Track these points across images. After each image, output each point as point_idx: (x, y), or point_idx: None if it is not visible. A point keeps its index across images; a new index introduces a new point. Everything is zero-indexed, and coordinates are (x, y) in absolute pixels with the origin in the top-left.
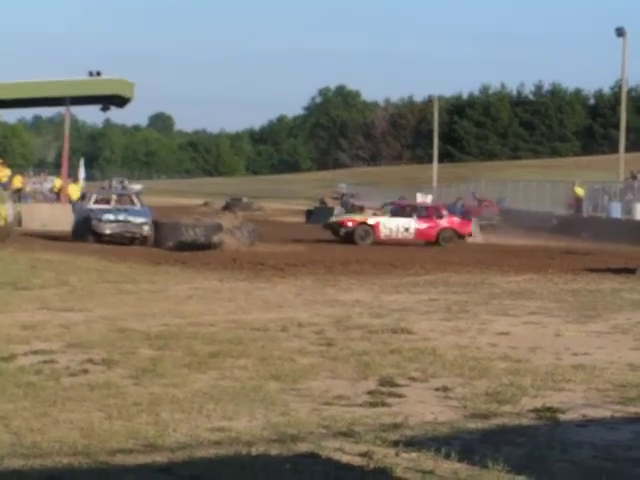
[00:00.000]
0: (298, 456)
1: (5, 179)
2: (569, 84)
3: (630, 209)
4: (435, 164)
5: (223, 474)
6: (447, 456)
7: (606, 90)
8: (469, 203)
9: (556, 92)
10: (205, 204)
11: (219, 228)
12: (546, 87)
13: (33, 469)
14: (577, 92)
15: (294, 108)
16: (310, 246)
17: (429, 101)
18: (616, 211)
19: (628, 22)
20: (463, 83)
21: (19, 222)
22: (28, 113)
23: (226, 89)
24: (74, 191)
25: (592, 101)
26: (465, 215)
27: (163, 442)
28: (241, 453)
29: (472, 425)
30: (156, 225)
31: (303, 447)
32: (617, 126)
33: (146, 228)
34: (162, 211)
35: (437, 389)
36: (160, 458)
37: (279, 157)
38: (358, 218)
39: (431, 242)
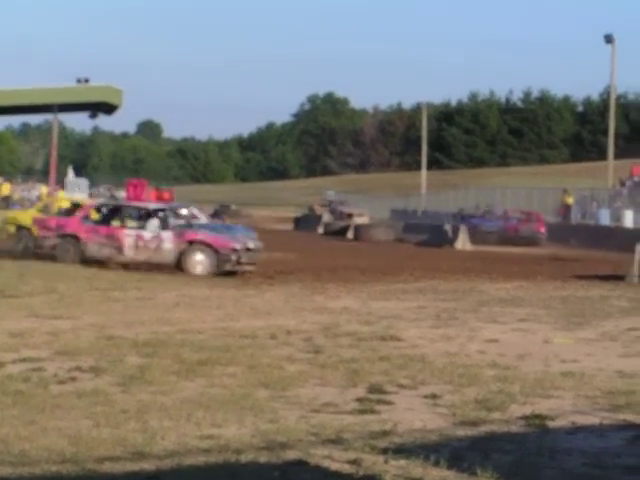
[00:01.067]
0: (287, 464)
1: None
2: (558, 91)
3: (619, 216)
4: (424, 171)
5: None
6: (436, 463)
7: (595, 97)
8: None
9: (545, 99)
10: None
11: None
12: (535, 94)
13: (21, 477)
14: (566, 99)
15: (283, 115)
16: (298, 253)
17: (418, 108)
18: (605, 218)
19: (617, 29)
20: (452, 90)
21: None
22: (16, 120)
23: (214, 96)
24: (62, 199)
25: (581, 108)
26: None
27: (151, 450)
28: (230, 461)
29: (461, 432)
30: None
31: (292, 454)
32: (606, 133)
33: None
34: None
35: (426, 396)
36: (148, 466)
37: (267, 164)
38: None
39: None
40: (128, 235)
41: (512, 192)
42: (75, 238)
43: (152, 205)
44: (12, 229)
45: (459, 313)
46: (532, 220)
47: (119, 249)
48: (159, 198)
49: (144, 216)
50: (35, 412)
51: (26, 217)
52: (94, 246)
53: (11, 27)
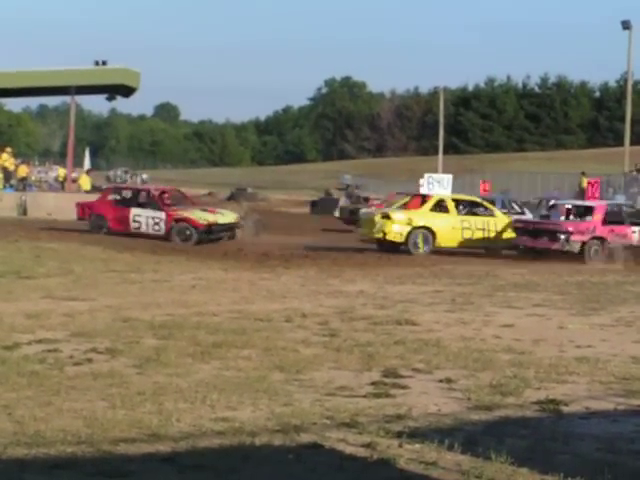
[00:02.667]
0: (301, 447)
1: (12, 167)
2: (575, 77)
3: (634, 202)
4: (440, 156)
5: (226, 464)
6: (450, 447)
7: (612, 83)
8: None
9: (562, 84)
10: (209, 194)
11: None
12: (552, 79)
13: (36, 458)
14: (583, 85)
15: (300, 99)
16: (315, 237)
17: (435, 93)
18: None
19: (634, 15)
20: (469, 75)
21: (24, 211)
22: (33, 102)
23: (232, 79)
24: (85, 182)
25: (597, 94)
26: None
27: (166, 432)
28: (244, 443)
29: (475, 417)
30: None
31: (306, 438)
32: (622, 119)
33: None
34: None
35: (441, 381)
36: (163, 448)
37: (284, 148)
38: None
39: None
40: None
41: (529, 177)
42: None
43: None
44: None
45: (474, 298)
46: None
47: None
48: None
49: None
50: (50, 393)
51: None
52: None
53: (30, 10)
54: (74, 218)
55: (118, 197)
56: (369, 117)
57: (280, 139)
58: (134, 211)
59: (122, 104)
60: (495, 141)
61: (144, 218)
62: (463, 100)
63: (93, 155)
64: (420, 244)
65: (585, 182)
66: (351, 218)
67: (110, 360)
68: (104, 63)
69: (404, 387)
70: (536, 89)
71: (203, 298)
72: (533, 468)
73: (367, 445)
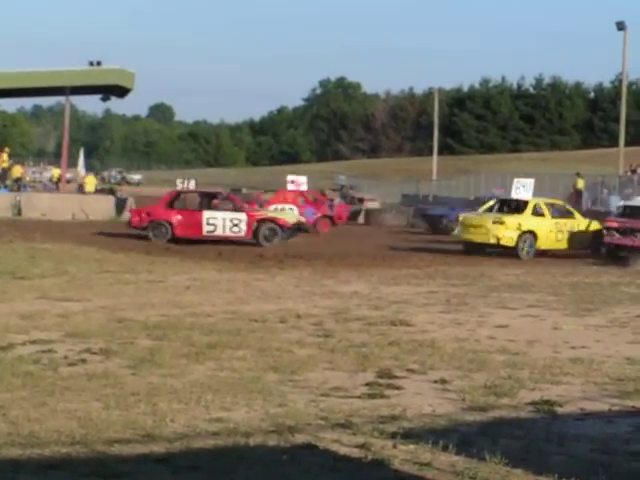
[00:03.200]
0: (296, 447)
1: (5, 164)
2: (569, 77)
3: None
4: (435, 157)
5: (221, 465)
6: (445, 448)
7: (606, 84)
8: None
9: (556, 85)
10: None
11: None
12: (546, 80)
13: (31, 458)
14: (577, 85)
15: (294, 99)
16: (308, 238)
17: (429, 93)
18: (615, 204)
19: (629, 16)
20: (464, 76)
21: (19, 211)
22: (28, 102)
23: (226, 80)
24: (90, 183)
25: (592, 95)
26: None
27: (161, 432)
28: (239, 444)
29: (470, 418)
30: None
31: (301, 438)
32: (617, 120)
33: None
34: None
35: (435, 381)
36: (158, 448)
37: (279, 148)
38: None
39: None
40: None
41: (523, 178)
42: None
43: None
44: None
45: (469, 298)
46: None
47: None
48: None
49: None
50: (45, 394)
51: None
52: None
53: (24, 10)
54: (68, 219)
55: (183, 201)
56: (364, 118)
57: (275, 140)
58: (207, 214)
59: (116, 105)
60: (490, 142)
61: (220, 220)
62: (458, 101)
63: (87, 156)
64: (527, 248)
65: (580, 183)
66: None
67: (104, 361)
68: (99, 64)
69: (398, 388)
70: (531, 90)
71: (197, 299)
72: (527, 469)
73: (361, 446)
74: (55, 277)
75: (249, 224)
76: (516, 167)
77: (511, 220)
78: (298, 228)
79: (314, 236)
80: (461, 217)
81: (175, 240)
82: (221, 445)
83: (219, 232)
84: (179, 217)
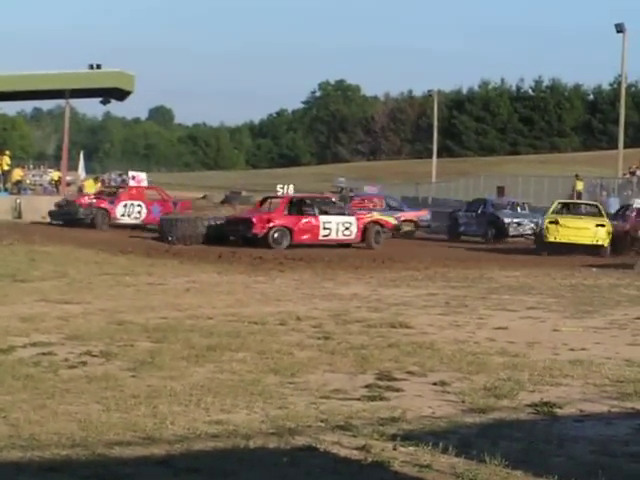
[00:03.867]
0: (296, 449)
1: (6, 167)
2: (568, 79)
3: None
4: (434, 159)
5: (221, 467)
6: (445, 450)
7: (605, 86)
8: None
9: (555, 87)
10: (204, 197)
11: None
12: (545, 82)
13: (31, 461)
14: (576, 87)
15: (294, 102)
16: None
17: (429, 96)
18: (614, 207)
19: (628, 18)
20: (463, 78)
21: (19, 214)
22: (28, 105)
23: (226, 83)
24: (89, 187)
25: (591, 97)
26: None
27: (161, 435)
28: (239, 446)
29: (470, 419)
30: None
31: (301, 440)
32: (616, 122)
33: None
34: None
35: (435, 383)
36: (158, 451)
37: (278, 151)
38: None
39: None
40: None
41: (522, 180)
42: None
43: None
44: None
45: (468, 300)
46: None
47: None
48: None
49: None
50: (45, 396)
51: None
52: None
53: (24, 13)
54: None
55: (294, 206)
56: (363, 120)
57: (274, 142)
58: (323, 219)
59: (116, 107)
60: (489, 144)
61: (334, 225)
62: (457, 103)
63: (87, 158)
64: (610, 248)
65: (579, 185)
66: None
67: (104, 363)
68: (98, 66)
69: (398, 390)
70: (530, 92)
71: (197, 301)
72: (527, 471)
73: (361, 448)
74: (55, 280)
75: (359, 227)
76: (515, 169)
77: (607, 223)
78: (398, 228)
79: None
80: (560, 220)
81: (293, 245)
82: (221, 447)
83: (333, 236)
84: (301, 222)
